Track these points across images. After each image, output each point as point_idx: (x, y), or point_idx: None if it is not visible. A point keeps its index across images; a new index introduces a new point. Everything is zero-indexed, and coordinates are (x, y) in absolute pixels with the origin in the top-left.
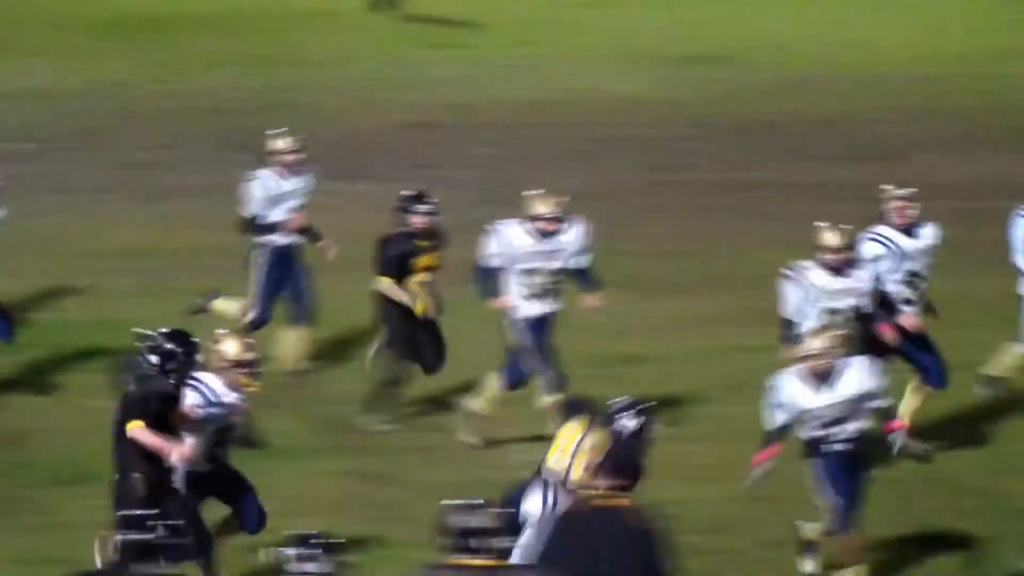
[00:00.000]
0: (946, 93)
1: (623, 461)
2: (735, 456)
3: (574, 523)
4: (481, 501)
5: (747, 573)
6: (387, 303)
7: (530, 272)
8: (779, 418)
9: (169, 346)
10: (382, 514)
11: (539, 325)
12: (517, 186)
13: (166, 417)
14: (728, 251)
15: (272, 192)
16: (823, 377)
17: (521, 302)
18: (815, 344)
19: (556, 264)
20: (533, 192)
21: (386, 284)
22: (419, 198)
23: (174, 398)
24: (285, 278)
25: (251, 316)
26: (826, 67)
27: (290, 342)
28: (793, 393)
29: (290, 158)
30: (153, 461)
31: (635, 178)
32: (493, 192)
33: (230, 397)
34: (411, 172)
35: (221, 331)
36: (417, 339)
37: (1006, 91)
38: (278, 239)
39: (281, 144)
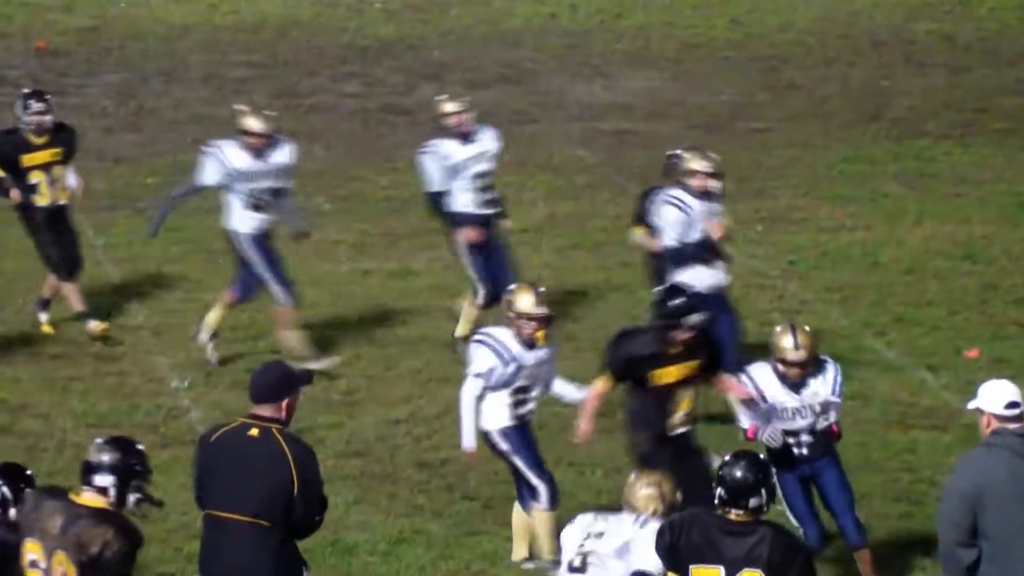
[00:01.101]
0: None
1: (261, 390)
2: (381, 378)
3: (220, 446)
4: (121, 437)
5: (393, 495)
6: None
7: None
8: (746, 416)
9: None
10: (24, 443)
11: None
12: (154, 112)
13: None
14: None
15: (451, 162)
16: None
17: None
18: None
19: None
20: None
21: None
22: None
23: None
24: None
25: (481, 299)
26: None
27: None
28: (766, 386)
29: (460, 120)
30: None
31: (272, 105)
32: (125, 119)
33: (522, 352)
34: None
35: (514, 284)
36: None
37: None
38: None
39: (450, 107)
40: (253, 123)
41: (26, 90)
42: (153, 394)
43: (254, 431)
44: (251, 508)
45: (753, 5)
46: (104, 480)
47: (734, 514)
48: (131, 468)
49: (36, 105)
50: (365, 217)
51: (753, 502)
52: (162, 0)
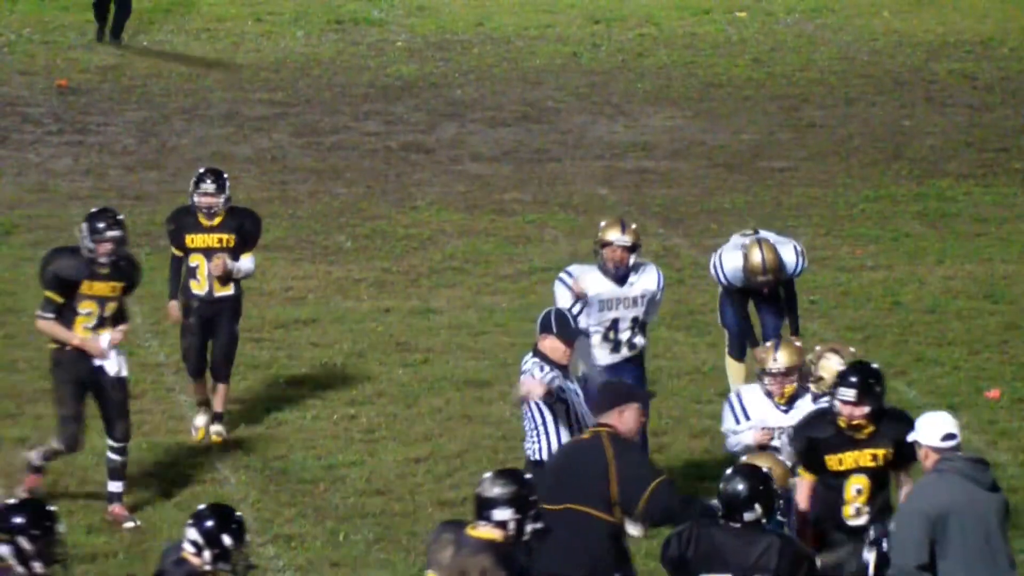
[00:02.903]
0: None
1: (596, 403)
2: (402, 417)
3: (562, 450)
4: (510, 470)
5: (413, 534)
6: None
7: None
8: None
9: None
10: (45, 480)
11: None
12: (176, 150)
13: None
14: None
15: None
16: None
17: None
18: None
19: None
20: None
21: None
22: None
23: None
24: None
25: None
26: (461, 29)
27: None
28: None
29: None
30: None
31: (293, 143)
32: (147, 157)
33: (768, 412)
34: (58, 136)
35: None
36: None
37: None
38: None
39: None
40: (616, 235)
41: (201, 168)
42: (173, 432)
43: (587, 434)
44: (570, 497)
45: (774, 44)
46: (503, 514)
47: (732, 526)
48: (527, 499)
49: (205, 185)
50: (386, 255)
51: (748, 516)
52: (184, 38)
